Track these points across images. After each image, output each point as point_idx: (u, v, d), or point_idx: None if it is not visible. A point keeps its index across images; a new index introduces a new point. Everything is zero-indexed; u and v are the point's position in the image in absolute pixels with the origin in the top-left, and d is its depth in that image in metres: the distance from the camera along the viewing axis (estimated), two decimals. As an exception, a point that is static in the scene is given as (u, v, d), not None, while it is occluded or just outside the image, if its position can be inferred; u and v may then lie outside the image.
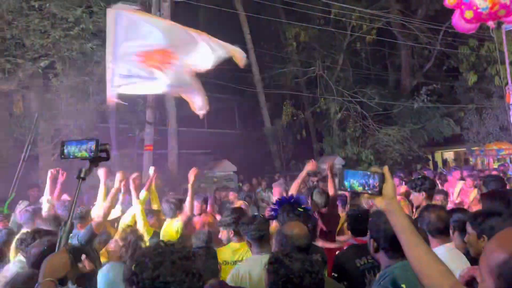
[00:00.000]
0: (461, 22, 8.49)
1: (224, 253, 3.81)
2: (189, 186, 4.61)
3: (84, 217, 4.47)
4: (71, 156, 1.95)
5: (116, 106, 10.56)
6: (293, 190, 4.50)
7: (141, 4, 12.25)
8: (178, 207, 4.75)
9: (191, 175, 4.68)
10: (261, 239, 3.25)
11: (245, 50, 17.64)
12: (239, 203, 7.77)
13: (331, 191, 4.63)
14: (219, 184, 11.94)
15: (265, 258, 3.11)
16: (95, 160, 1.97)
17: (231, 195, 8.33)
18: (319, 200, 4.58)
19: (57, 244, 1.78)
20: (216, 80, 16.09)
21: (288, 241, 2.53)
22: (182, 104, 13.43)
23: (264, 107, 18.05)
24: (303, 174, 4.77)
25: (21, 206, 6.05)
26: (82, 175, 1.95)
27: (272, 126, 18.15)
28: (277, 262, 1.95)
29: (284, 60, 18.68)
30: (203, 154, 17.14)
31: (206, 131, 18.72)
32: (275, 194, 7.50)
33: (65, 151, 1.97)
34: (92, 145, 1.93)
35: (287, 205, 3.75)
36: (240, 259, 3.69)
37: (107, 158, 2.00)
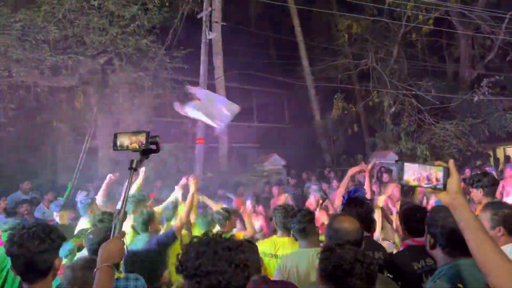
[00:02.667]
0: None
1: (265, 245, 3.84)
2: (189, 195, 4.49)
3: (138, 203, 4.67)
4: (123, 148, 1.99)
5: (170, 100, 10.97)
6: (341, 190, 4.39)
7: (193, 1, 12.53)
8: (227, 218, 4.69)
9: (192, 184, 4.58)
10: (304, 231, 3.25)
11: (295, 43, 17.61)
12: (283, 197, 7.80)
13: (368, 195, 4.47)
14: (269, 178, 11.98)
15: (312, 251, 3.10)
16: (146, 152, 2.00)
17: (275, 189, 8.36)
18: None
19: (112, 231, 1.83)
20: (266, 74, 16.13)
21: (338, 235, 2.48)
22: (232, 98, 13.63)
23: (314, 101, 17.84)
24: (347, 177, 4.53)
25: (81, 195, 6.40)
26: (133, 166, 1.97)
27: (322, 120, 17.92)
28: (329, 250, 1.94)
29: (335, 53, 18.34)
30: (252, 148, 17.28)
31: (255, 125, 18.87)
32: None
33: (117, 142, 2.01)
34: (143, 137, 1.96)
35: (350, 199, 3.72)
36: (279, 253, 3.70)
37: (157, 150, 2.03)
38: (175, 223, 4.32)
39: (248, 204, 5.70)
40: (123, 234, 1.84)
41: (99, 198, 5.40)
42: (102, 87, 11.33)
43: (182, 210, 4.81)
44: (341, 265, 1.83)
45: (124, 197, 1.93)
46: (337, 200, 4.45)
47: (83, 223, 4.94)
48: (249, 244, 2.90)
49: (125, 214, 1.88)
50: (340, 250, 1.90)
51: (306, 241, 3.29)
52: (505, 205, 2.77)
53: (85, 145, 11.00)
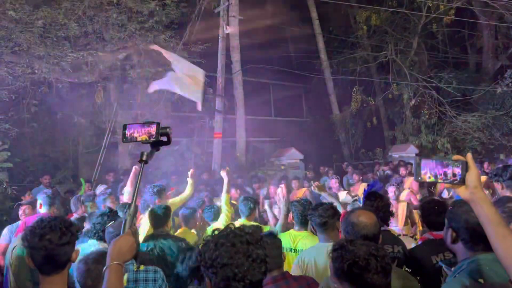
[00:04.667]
0: None
1: (284, 239, 3.84)
2: (225, 185, 5.09)
3: (161, 192, 4.80)
4: (132, 140, 1.93)
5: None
6: None
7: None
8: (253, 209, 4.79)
9: (225, 175, 5.14)
10: (325, 226, 3.23)
11: (313, 36, 17.46)
12: (302, 190, 7.79)
13: None
14: (287, 172, 11.97)
15: (330, 246, 3.08)
16: (156, 144, 1.94)
17: (295, 183, 8.36)
18: None
19: (122, 227, 1.77)
20: (283, 68, 16.07)
21: (354, 229, 2.46)
22: (250, 92, 13.60)
23: (332, 94, 17.70)
24: None
25: (100, 188, 6.51)
26: (144, 159, 1.91)
27: (341, 113, 17.78)
28: (342, 248, 1.89)
29: (354, 45, 18.13)
30: (270, 141, 17.26)
31: (273, 119, 18.83)
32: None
33: (126, 134, 1.94)
34: (153, 128, 1.90)
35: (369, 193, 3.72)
36: (298, 247, 3.69)
37: (168, 142, 1.97)
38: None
39: (283, 187, 5.80)
40: (134, 230, 1.77)
41: (127, 191, 5.47)
42: (121, 83, 11.48)
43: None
44: (356, 262, 1.80)
45: (134, 191, 1.86)
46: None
47: None
48: (273, 239, 2.90)
49: (136, 208, 1.83)
50: (353, 247, 1.86)
51: (325, 235, 3.28)
52: (510, 199, 2.69)
53: (106, 140, 11.18)
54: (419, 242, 3.45)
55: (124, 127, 1.96)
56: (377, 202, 3.53)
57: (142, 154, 1.92)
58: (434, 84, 16.06)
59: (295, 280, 2.73)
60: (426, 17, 16.57)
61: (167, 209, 3.83)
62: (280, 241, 2.99)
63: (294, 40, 18.63)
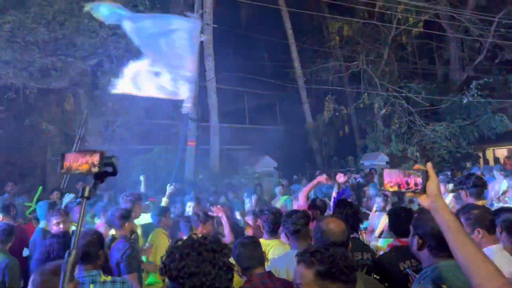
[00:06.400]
0: None
1: None
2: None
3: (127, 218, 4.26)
4: (71, 171, 1.69)
5: (160, 102, 10.87)
6: (302, 198, 4.58)
7: (184, 3, 12.52)
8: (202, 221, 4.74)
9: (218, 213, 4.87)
10: (298, 233, 3.24)
11: (287, 46, 17.64)
12: (284, 198, 7.85)
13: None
14: (261, 180, 11.98)
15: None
16: (100, 176, 1.69)
17: (278, 189, 8.44)
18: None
19: (61, 282, 1.42)
20: (257, 76, 16.16)
21: (324, 236, 2.50)
22: (223, 100, 13.59)
23: (305, 103, 17.91)
24: (313, 183, 4.93)
25: (67, 198, 6.35)
26: (86, 194, 1.65)
27: (314, 122, 17.99)
28: (307, 252, 1.92)
29: (327, 55, 18.44)
30: (244, 149, 17.27)
31: (247, 127, 18.85)
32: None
33: (64, 164, 1.71)
34: (95, 157, 1.67)
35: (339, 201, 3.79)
36: (270, 256, 3.70)
37: (114, 173, 1.72)
38: None
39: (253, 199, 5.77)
40: (76, 284, 1.47)
41: None
42: (92, 89, 11.27)
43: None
44: (335, 263, 1.82)
45: (77, 232, 1.58)
46: (302, 200, 4.60)
47: None
48: (252, 239, 2.93)
49: (77, 256, 1.50)
50: (317, 250, 1.89)
51: (298, 243, 3.29)
52: (474, 206, 2.78)
53: (75, 148, 10.91)
54: (387, 249, 3.51)
55: (62, 156, 1.73)
56: (346, 210, 3.59)
57: (83, 189, 1.66)
58: (403, 94, 16.48)
59: (279, 280, 2.75)
60: (396, 28, 17.06)
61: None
62: (259, 241, 3.01)
63: (269, 49, 18.79)
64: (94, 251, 2.80)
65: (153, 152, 12.19)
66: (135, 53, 10.66)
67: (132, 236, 4.14)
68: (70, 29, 9.86)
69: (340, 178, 4.88)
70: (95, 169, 1.65)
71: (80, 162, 1.69)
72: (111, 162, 1.69)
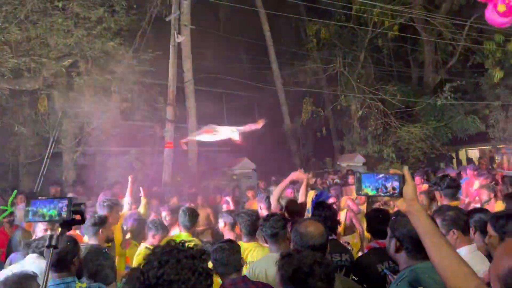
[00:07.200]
0: (494, 15, 8.36)
1: None
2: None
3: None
4: (37, 218, 1.62)
5: (137, 104, 10.76)
6: (274, 201, 4.54)
7: (161, 3, 12.40)
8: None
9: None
10: (276, 236, 3.25)
11: (265, 47, 17.68)
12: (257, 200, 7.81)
13: (302, 198, 4.65)
14: (239, 182, 11.97)
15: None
16: (67, 224, 1.63)
17: (250, 193, 8.38)
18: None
19: None
20: (236, 78, 16.12)
21: (303, 239, 2.51)
22: (202, 101, 13.52)
23: (283, 105, 17.98)
24: (286, 181, 4.71)
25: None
26: (53, 243, 1.58)
27: (292, 123, 18.08)
28: (287, 256, 1.97)
29: (304, 57, 18.55)
30: (222, 151, 17.20)
31: (226, 129, 18.75)
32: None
33: (30, 212, 1.63)
34: (63, 205, 1.61)
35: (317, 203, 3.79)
36: (248, 259, 3.69)
37: (82, 221, 1.67)
38: None
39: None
40: None
41: (126, 201, 5.44)
42: (67, 91, 11.01)
43: None
44: (300, 268, 1.87)
45: (44, 282, 1.52)
46: (273, 203, 4.56)
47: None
48: (231, 244, 2.91)
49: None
50: (297, 254, 1.95)
51: (276, 245, 3.29)
52: (449, 207, 2.85)
53: (49, 150, 10.68)
54: (366, 251, 3.55)
55: (28, 202, 1.65)
56: (325, 212, 3.61)
57: (51, 237, 1.60)
58: (379, 96, 16.74)
59: (253, 284, 2.74)
60: (372, 32, 17.32)
61: None
62: (238, 246, 3.00)
63: (247, 50, 18.79)
64: (68, 257, 2.73)
65: (130, 154, 12.01)
66: (111, 54, 10.54)
67: (109, 244, 4.02)
68: (43, 29, 9.63)
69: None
70: (63, 217, 1.61)
71: (48, 208, 1.62)
72: (80, 210, 1.65)
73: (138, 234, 4.76)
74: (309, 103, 17.97)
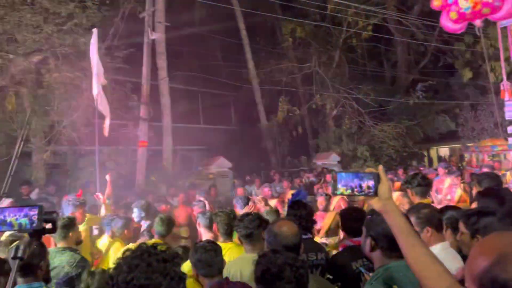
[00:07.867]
0: (448, 23, 8.68)
1: None
2: None
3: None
4: (6, 228, 1.54)
5: (110, 101, 10.50)
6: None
7: (135, 0, 12.17)
8: None
9: None
10: (250, 237, 3.21)
11: (241, 46, 17.64)
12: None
13: None
14: (215, 181, 11.89)
15: (256, 257, 3.08)
16: (37, 233, 1.56)
17: (240, 191, 8.40)
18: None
19: None
20: (212, 76, 16.01)
21: (276, 239, 2.49)
22: (177, 100, 13.35)
23: (260, 103, 17.98)
24: None
25: (5, 203, 5.90)
26: (19, 255, 1.48)
27: (268, 122, 18.11)
28: (262, 256, 1.98)
29: (280, 56, 18.62)
30: (198, 150, 17.07)
31: (201, 127, 18.66)
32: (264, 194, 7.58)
33: None
34: (34, 213, 1.53)
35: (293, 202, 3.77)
36: (226, 259, 3.64)
37: (54, 230, 1.61)
38: None
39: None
40: None
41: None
42: (36, 88, 10.66)
43: None
44: (269, 269, 1.88)
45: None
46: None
47: None
48: (214, 245, 2.86)
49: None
50: (272, 255, 1.95)
51: (251, 246, 3.26)
52: (423, 205, 2.89)
53: (18, 149, 10.32)
54: (340, 249, 3.56)
55: None
56: (300, 211, 3.60)
57: (17, 249, 1.49)
58: (354, 96, 16.97)
59: (234, 285, 2.70)
60: (346, 31, 17.53)
61: None
62: (220, 248, 2.94)
63: (223, 49, 18.70)
64: (35, 261, 2.62)
65: (102, 153, 11.74)
66: (83, 50, 10.26)
67: (79, 246, 3.89)
68: (11, 24, 9.29)
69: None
70: (34, 226, 1.54)
71: (17, 217, 1.54)
72: (52, 219, 1.58)
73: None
74: (285, 102, 18.03)
